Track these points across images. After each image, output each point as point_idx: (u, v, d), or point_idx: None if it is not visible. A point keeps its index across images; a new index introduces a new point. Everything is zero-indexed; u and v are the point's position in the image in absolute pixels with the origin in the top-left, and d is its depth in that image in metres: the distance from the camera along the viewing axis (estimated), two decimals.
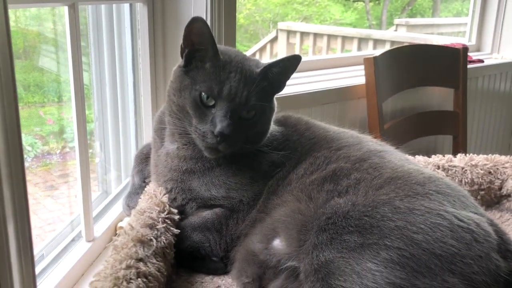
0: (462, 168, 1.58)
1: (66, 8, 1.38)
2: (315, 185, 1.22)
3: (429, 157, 1.65)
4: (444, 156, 1.63)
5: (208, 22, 1.87)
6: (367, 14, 9.61)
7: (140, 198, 1.37)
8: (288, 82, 1.38)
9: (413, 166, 1.28)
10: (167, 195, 1.34)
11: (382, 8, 9.54)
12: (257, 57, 5.51)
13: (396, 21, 6.04)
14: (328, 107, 2.52)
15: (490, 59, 3.42)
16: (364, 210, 1.08)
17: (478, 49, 3.62)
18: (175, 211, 1.32)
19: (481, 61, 3.27)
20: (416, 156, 1.65)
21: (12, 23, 1.92)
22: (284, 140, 1.38)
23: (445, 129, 2.97)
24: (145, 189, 1.41)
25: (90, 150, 2.01)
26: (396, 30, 5.77)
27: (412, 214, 1.05)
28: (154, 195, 1.32)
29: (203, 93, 1.24)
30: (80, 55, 1.41)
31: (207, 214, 1.32)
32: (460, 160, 1.61)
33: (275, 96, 1.39)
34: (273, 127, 1.39)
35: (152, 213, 1.24)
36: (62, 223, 1.95)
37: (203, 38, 1.26)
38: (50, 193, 2.53)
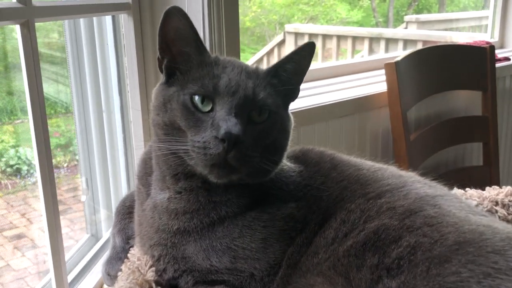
0: None
1: (18, 27, 1.03)
2: (352, 256, 0.85)
3: (483, 189, 1.27)
4: (502, 188, 1.26)
5: (207, 33, 1.53)
6: (373, 12, 9.19)
7: (121, 268, 1.02)
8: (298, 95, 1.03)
9: (480, 219, 0.91)
10: (153, 267, 0.97)
11: (389, 5, 9.12)
12: (264, 61, 5.15)
13: (406, 18, 5.63)
14: (346, 119, 2.16)
15: None
16: None
17: (501, 45, 3.23)
18: None
19: (508, 59, 2.89)
20: (467, 189, 1.28)
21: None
22: (305, 185, 1.00)
23: (475, 136, 2.60)
24: (128, 254, 1.05)
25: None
26: (406, 27, 5.38)
27: None
28: (137, 268, 0.95)
29: (195, 96, 0.89)
30: (39, 80, 1.07)
31: None
32: None
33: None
34: (288, 166, 1.03)
35: None
36: (71, 240, 1.67)
37: (183, 35, 0.93)
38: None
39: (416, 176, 1.06)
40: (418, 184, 1.00)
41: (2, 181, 3.22)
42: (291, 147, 1.07)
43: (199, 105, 0.89)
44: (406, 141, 2.19)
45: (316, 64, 3.23)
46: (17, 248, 3.03)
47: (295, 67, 0.97)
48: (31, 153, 3.10)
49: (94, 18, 1.52)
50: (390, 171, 1.05)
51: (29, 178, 3.06)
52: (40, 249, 3.06)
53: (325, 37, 4.68)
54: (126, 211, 1.15)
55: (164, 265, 0.97)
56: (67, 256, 1.57)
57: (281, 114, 0.96)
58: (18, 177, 3.18)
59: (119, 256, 1.10)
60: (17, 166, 3.22)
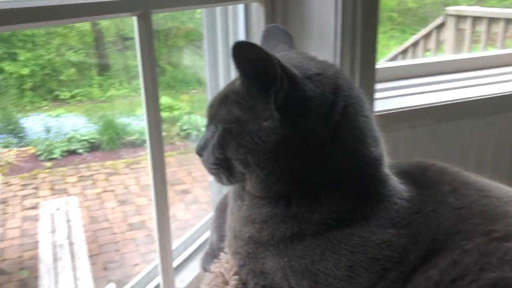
0: None
1: (135, 19, 1.01)
2: None
3: None
4: None
5: (339, 23, 1.40)
6: None
7: (211, 267, 0.96)
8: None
9: None
10: (237, 276, 0.90)
11: None
12: (421, 45, 4.78)
13: None
14: (494, 118, 1.90)
15: None
16: None
17: None
18: None
19: None
20: None
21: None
22: (413, 212, 0.81)
23: None
24: (222, 253, 0.99)
25: None
26: None
27: None
28: (222, 273, 0.89)
29: None
30: (154, 71, 1.05)
31: None
32: None
33: None
34: (395, 189, 0.84)
35: None
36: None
37: None
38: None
39: None
40: None
41: (177, 143, 3.55)
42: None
43: None
44: None
45: (476, 53, 2.91)
46: (183, 202, 3.38)
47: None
48: (201, 120, 3.33)
49: (230, 8, 1.48)
50: None
51: (197, 141, 3.36)
52: (201, 204, 3.34)
53: (492, 20, 4.18)
54: (225, 208, 1.08)
55: (245, 276, 0.89)
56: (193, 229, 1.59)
57: (231, 127, 0.84)
58: (189, 140, 3.44)
59: (214, 253, 1.04)
60: (188, 130, 3.51)
